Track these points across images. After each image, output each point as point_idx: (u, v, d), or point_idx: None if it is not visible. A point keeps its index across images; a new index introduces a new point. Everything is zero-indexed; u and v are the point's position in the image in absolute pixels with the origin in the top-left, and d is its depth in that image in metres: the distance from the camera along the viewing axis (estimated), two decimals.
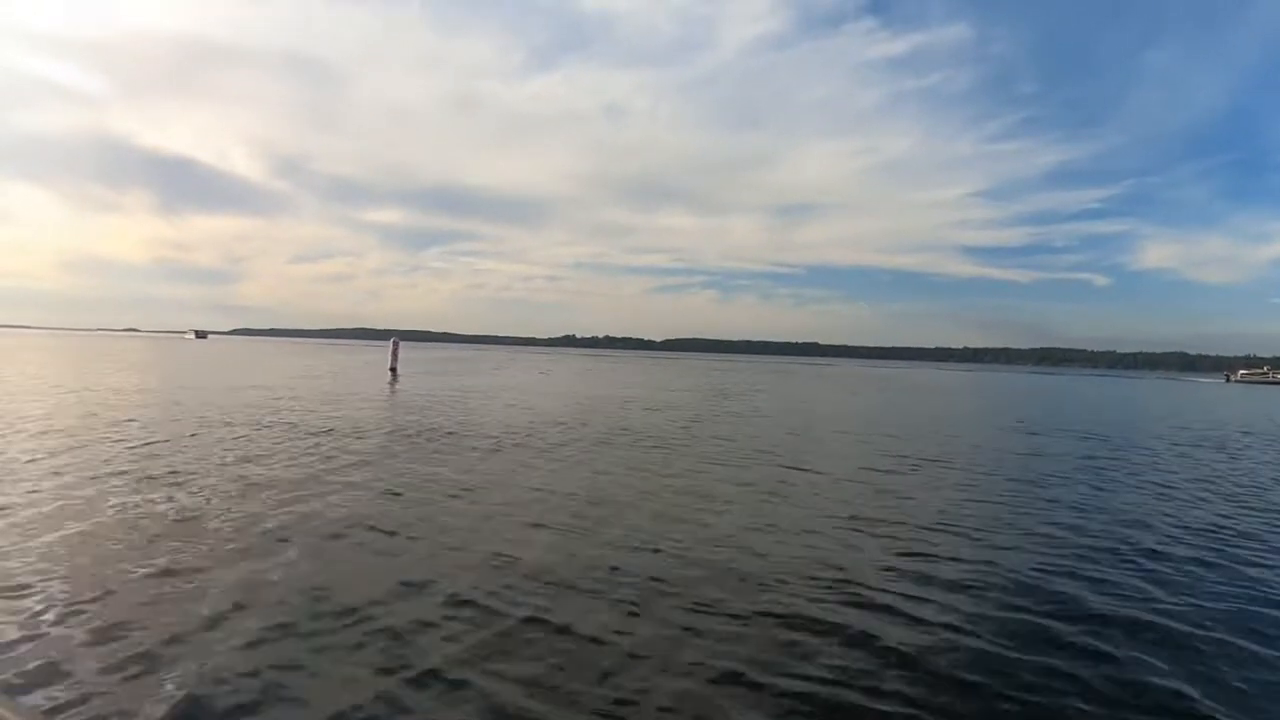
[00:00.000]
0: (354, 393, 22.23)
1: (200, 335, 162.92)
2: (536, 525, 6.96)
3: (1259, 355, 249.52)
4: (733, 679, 3.91)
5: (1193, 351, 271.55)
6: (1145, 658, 4.36)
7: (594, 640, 4.31)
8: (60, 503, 6.97)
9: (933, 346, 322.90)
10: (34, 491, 7.40)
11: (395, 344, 34.97)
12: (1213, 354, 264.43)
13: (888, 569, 5.92)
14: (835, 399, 32.18)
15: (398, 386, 27.26)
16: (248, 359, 52.80)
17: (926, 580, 5.66)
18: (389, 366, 33.40)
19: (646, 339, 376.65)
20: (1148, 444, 16.78)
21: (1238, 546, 7.18)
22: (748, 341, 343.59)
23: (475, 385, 28.88)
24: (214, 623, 4.32)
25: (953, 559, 6.27)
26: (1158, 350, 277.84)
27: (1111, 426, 21.54)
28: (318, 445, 11.27)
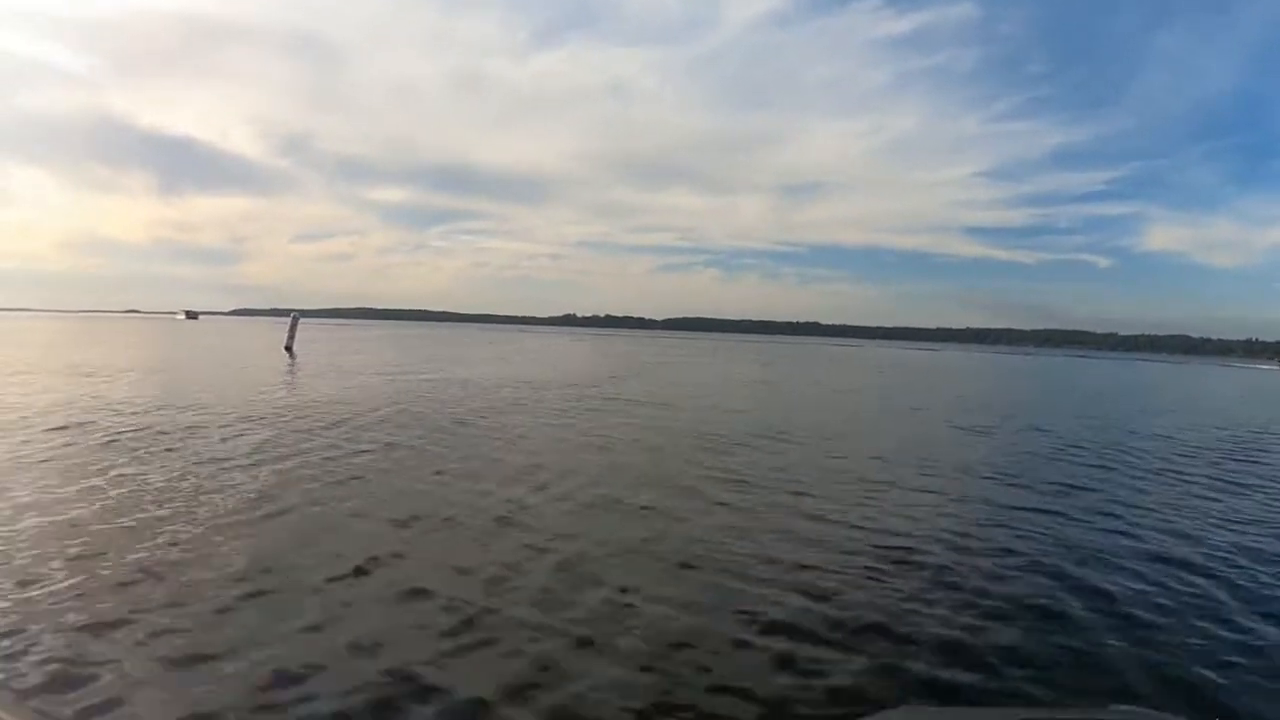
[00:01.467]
0: (202, 379, 21.28)
1: (191, 316, 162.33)
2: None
3: (1262, 340, 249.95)
4: None
5: (1195, 335, 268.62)
6: None
7: None
8: None
9: (935, 327, 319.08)
10: None
11: (294, 321, 33.90)
12: (1215, 338, 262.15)
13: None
14: (734, 378, 30.73)
15: (294, 365, 26.41)
16: (189, 338, 52.33)
17: None
18: (284, 345, 32.49)
19: (647, 318, 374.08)
20: None
21: None
22: (748, 321, 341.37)
23: (373, 365, 27.27)
24: None
25: None
26: (1161, 333, 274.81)
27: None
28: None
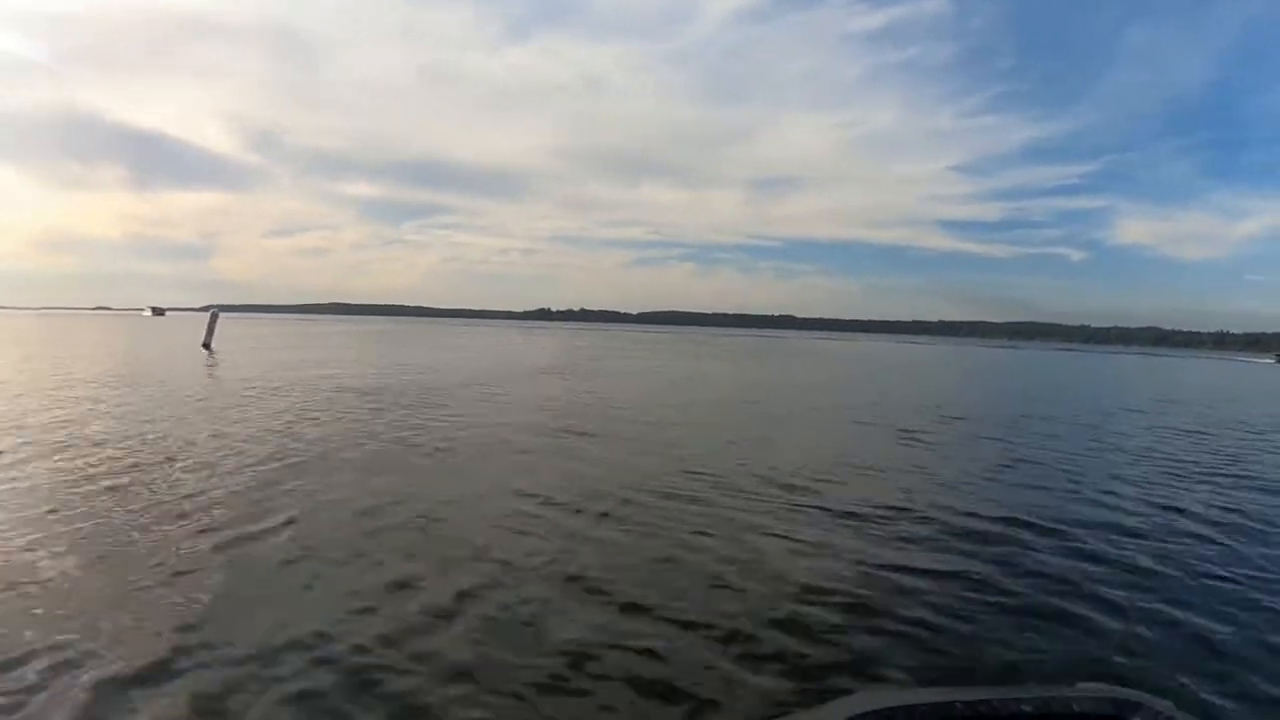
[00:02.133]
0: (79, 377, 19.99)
1: (158, 312, 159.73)
2: None
3: (1232, 332, 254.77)
4: None
5: (1167, 327, 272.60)
6: None
7: None
8: None
9: (909, 320, 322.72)
10: None
11: (213, 317, 32.72)
12: (1186, 330, 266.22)
13: None
14: (667, 373, 29.77)
15: (212, 361, 25.45)
16: (132, 335, 50.89)
17: None
18: (203, 343, 31.23)
19: (622, 312, 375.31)
20: None
21: None
22: (724, 314, 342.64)
23: (287, 362, 26.12)
24: None
25: None
26: (1132, 325, 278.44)
27: None
28: None
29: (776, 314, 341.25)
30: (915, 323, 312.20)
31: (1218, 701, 3.64)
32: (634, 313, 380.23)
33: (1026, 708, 1.22)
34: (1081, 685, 1.35)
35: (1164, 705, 1.22)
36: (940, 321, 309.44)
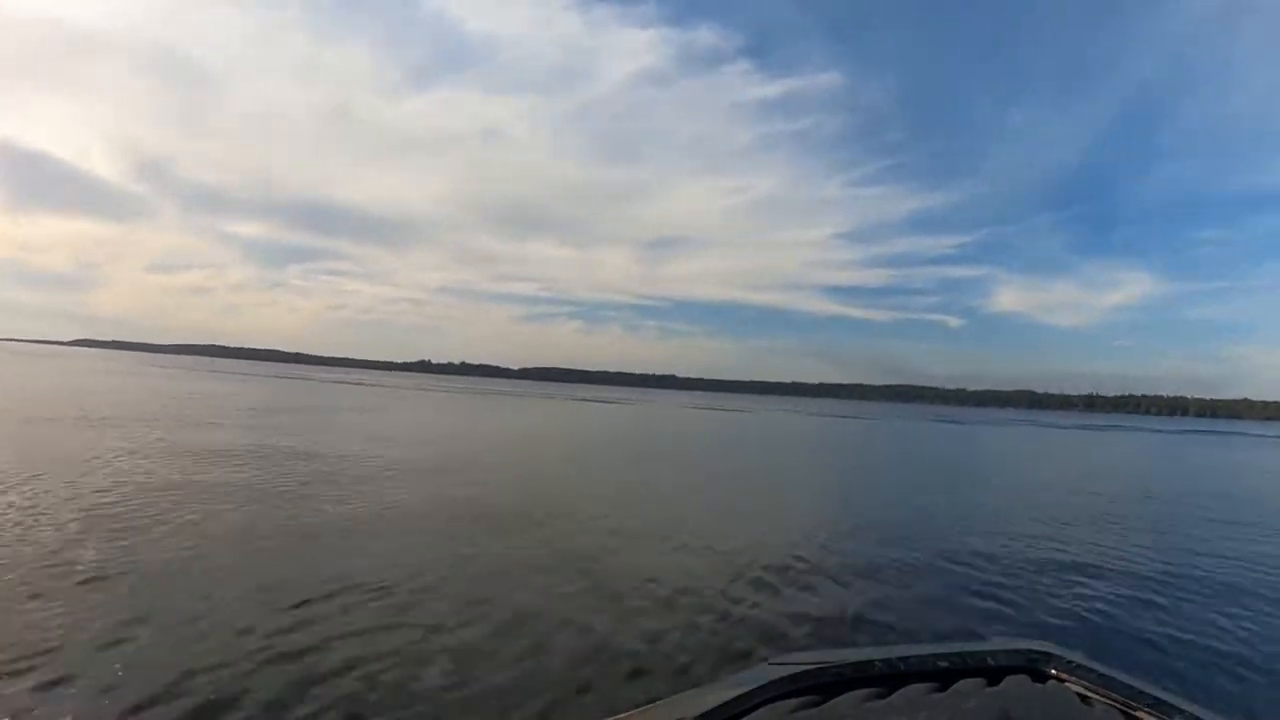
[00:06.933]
0: None
1: None
2: None
3: (1103, 394, 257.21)
4: None
5: (1040, 390, 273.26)
6: None
7: None
8: None
9: (789, 381, 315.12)
10: None
11: None
12: (1058, 393, 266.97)
13: None
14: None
15: None
16: None
17: None
18: None
19: (503, 367, 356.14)
20: None
21: None
22: (606, 372, 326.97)
23: None
24: None
25: None
26: (1007, 388, 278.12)
27: None
28: None
29: (659, 373, 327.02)
30: (795, 384, 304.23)
31: None
32: (515, 368, 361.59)
33: (943, 664, 1.24)
34: (996, 639, 1.75)
35: (1074, 655, 1.26)
36: (821, 384, 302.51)
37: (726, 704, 1.03)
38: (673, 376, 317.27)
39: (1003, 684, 1.12)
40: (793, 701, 1.06)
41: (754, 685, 1.10)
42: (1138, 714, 1.08)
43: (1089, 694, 1.15)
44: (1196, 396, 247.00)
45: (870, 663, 1.22)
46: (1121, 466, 23.69)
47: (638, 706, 1.03)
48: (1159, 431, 65.09)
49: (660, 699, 1.08)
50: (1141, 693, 1.12)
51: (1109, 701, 1.12)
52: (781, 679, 1.13)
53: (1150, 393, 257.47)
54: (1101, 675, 1.20)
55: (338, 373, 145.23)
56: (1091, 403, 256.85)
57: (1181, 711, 1.06)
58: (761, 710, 1.03)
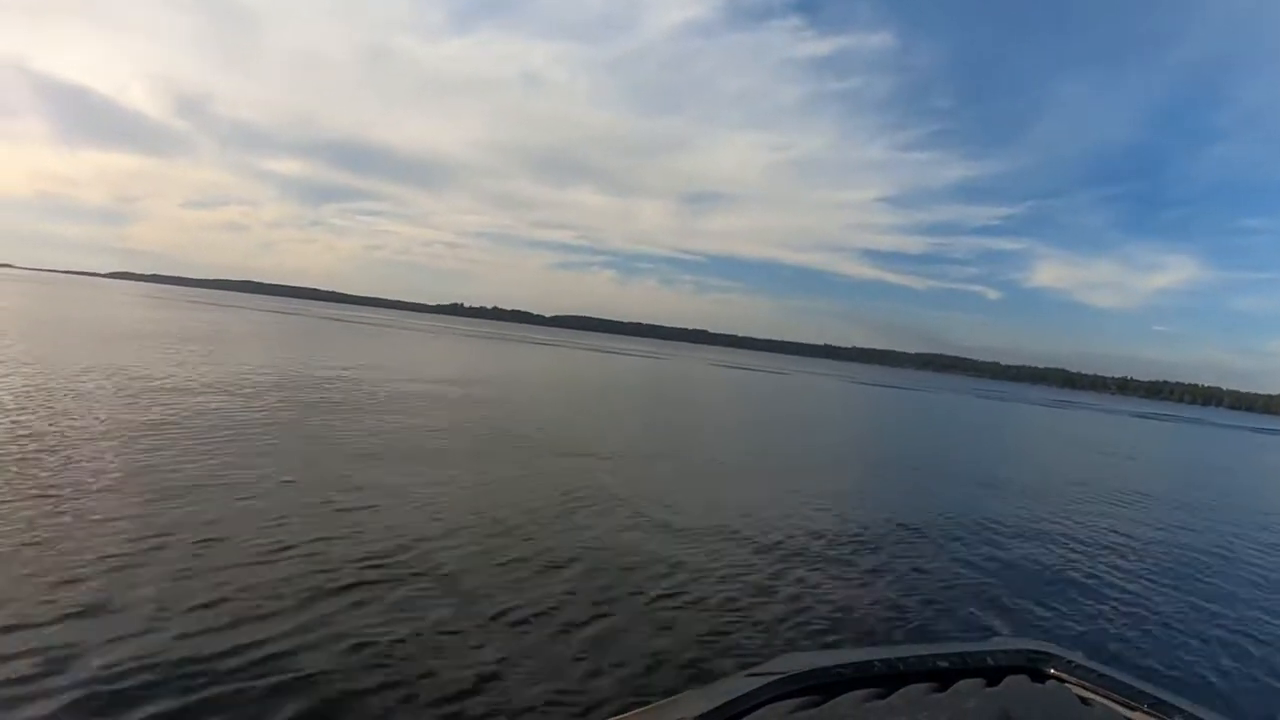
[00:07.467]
0: None
1: None
2: None
3: (1136, 379, 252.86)
4: None
5: (1074, 369, 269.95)
6: None
7: None
8: None
9: (821, 343, 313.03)
10: None
11: None
12: (1092, 373, 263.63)
13: None
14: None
15: None
16: None
17: None
18: None
19: (535, 313, 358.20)
20: None
21: None
22: (638, 324, 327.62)
23: None
24: None
25: None
26: (1041, 365, 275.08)
27: None
28: None
29: (691, 328, 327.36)
30: (827, 346, 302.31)
31: None
32: (548, 315, 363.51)
33: (943, 664, 1.25)
34: (996, 639, 1.56)
35: (1074, 655, 1.29)
36: (853, 347, 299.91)
37: (727, 704, 1.05)
38: (704, 332, 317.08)
39: (1003, 684, 1.15)
40: (793, 701, 1.08)
41: (754, 685, 1.12)
42: (1137, 714, 1.11)
43: (1089, 694, 1.18)
44: (1231, 389, 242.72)
45: (870, 663, 1.23)
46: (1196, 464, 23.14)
47: (638, 707, 1.07)
48: (1202, 423, 64.03)
49: (660, 699, 1.12)
50: (1141, 693, 1.15)
51: (1109, 701, 1.15)
52: (782, 679, 1.14)
53: (1185, 380, 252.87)
54: (1101, 675, 1.22)
55: (382, 313, 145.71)
56: (1124, 386, 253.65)
57: (1181, 711, 1.10)
58: (761, 710, 1.05)
